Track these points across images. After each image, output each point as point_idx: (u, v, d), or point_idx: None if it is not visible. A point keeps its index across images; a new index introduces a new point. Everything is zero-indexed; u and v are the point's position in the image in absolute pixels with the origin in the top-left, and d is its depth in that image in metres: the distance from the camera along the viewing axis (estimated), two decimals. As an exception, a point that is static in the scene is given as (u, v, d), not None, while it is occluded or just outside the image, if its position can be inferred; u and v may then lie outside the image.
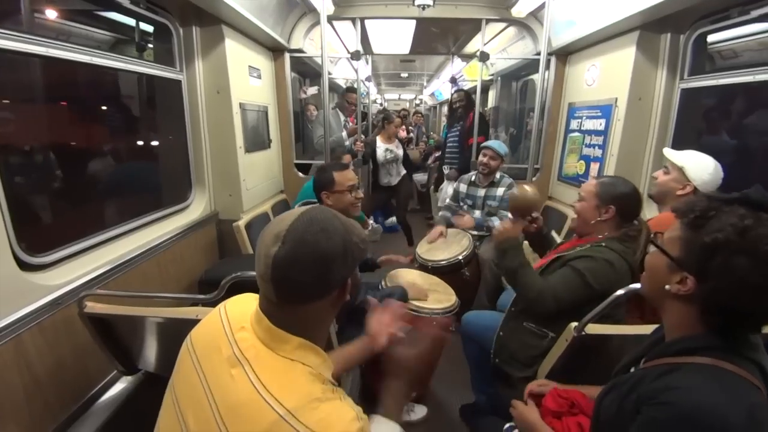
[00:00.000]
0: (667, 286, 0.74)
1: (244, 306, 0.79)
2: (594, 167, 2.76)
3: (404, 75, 8.36)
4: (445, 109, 7.43)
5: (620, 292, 1.27)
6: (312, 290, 0.69)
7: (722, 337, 0.71)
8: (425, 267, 2.44)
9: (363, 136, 3.65)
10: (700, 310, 0.72)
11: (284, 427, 0.61)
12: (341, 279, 0.72)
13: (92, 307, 1.36)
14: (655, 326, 1.01)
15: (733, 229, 0.66)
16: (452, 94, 4.12)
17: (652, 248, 0.82)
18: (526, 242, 2.02)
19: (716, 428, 0.62)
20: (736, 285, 0.65)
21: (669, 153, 1.66)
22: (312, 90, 3.96)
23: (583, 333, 1.25)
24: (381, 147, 3.76)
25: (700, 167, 1.54)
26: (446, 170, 3.90)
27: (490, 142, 2.77)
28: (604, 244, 1.42)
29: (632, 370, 0.88)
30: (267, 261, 0.66)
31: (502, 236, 1.61)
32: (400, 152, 3.89)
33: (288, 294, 0.68)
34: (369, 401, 0.91)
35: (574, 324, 1.28)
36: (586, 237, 1.55)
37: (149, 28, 2.18)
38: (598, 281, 1.35)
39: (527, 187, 1.84)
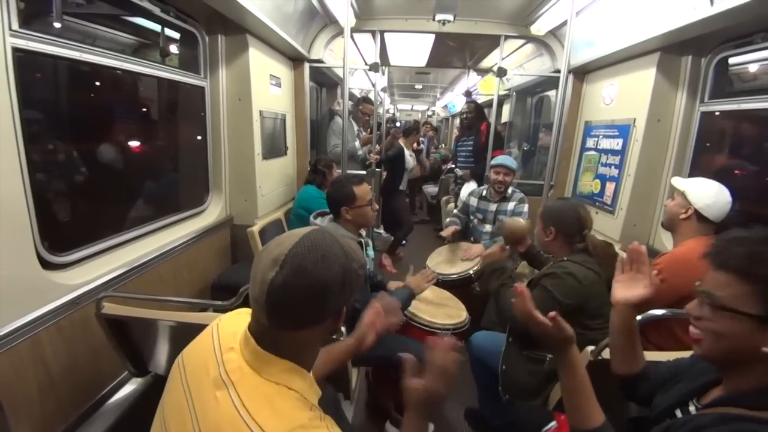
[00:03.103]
0: (765, 349, 0.66)
1: (237, 324, 0.77)
2: (610, 187, 2.74)
3: (418, 87, 8.42)
4: (457, 121, 7.48)
5: (638, 318, 1.26)
6: (306, 319, 0.68)
7: None
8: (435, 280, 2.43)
9: (378, 146, 3.66)
10: None
11: None
12: (337, 308, 0.71)
13: (110, 308, 1.37)
14: (679, 353, 0.99)
15: None
16: (463, 105, 4.16)
17: (708, 310, 0.72)
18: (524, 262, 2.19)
19: None
20: None
21: (675, 180, 1.69)
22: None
23: (600, 358, 1.24)
24: (406, 153, 4.05)
25: (701, 191, 1.56)
26: (459, 173, 3.95)
27: (501, 159, 2.75)
28: (566, 258, 1.52)
29: (677, 412, 0.84)
30: (263, 286, 0.64)
31: (489, 259, 1.79)
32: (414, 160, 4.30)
33: (281, 320, 0.67)
34: (376, 413, 0.90)
35: (591, 348, 1.26)
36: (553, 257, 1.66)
37: (176, 35, 2.24)
38: (565, 295, 1.42)
39: (520, 219, 2.03)
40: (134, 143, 2.12)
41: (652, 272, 0.97)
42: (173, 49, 2.22)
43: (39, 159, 1.44)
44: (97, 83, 1.85)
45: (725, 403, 0.73)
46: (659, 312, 1.26)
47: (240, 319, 0.80)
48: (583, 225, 1.54)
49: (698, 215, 1.53)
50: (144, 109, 2.23)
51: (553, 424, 1.12)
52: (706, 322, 0.72)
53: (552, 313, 0.94)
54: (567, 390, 0.90)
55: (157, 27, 2.09)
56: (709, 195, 1.53)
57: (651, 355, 1.28)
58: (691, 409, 0.81)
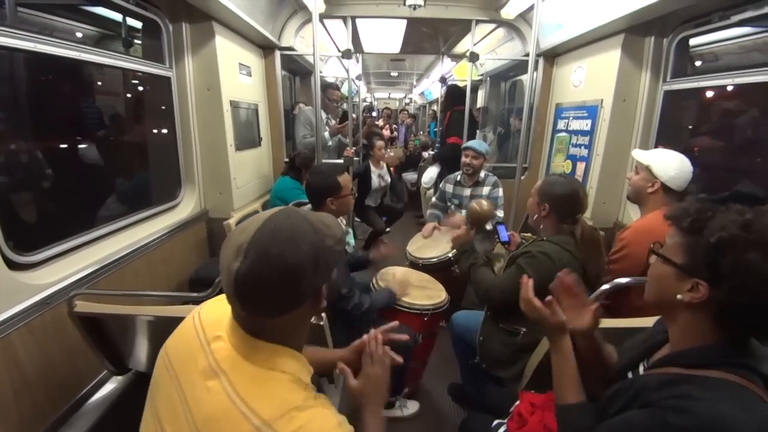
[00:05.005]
0: (679, 296, 0.71)
1: (219, 312, 0.75)
2: (580, 166, 2.82)
3: (394, 74, 8.36)
4: (434, 107, 7.53)
5: (605, 287, 1.33)
6: (280, 304, 0.65)
7: (733, 349, 0.68)
8: (416, 265, 2.46)
9: (353, 138, 3.64)
10: (713, 317, 0.69)
11: None
12: (314, 288, 0.68)
13: (82, 306, 1.34)
14: (641, 319, 1.03)
15: (735, 225, 0.64)
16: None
17: (653, 258, 0.79)
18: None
19: None
20: (753, 281, 0.62)
21: (637, 154, 1.71)
22: (307, 109, 3.88)
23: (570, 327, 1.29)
24: (375, 173, 3.72)
25: (665, 164, 1.59)
26: (425, 155, 3.93)
27: (470, 142, 2.77)
28: (545, 238, 1.54)
29: (629, 374, 0.87)
30: (229, 277, 0.62)
31: (458, 241, 1.83)
32: (389, 179, 3.86)
33: (255, 309, 0.65)
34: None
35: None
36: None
37: (138, 24, 2.15)
38: (538, 274, 1.39)
39: (483, 202, 2.17)
40: (99, 137, 2.05)
41: (592, 301, 1.03)
42: (135, 38, 2.13)
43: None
44: (58, 76, 1.77)
45: (667, 362, 0.76)
46: (624, 280, 1.33)
47: (221, 306, 0.76)
48: (579, 209, 1.51)
49: (664, 187, 1.58)
50: (108, 102, 2.15)
51: (517, 402, 1.18)
52: (651, 269, 0.81)
53: (548, 298, 0.99)
54: (556, 371, 0.96)
55: (117, 16, 2.01)
56: (672, 167, 1.57)
57: (618, 323, 1.35)
58: (641, 370, 0.84)
